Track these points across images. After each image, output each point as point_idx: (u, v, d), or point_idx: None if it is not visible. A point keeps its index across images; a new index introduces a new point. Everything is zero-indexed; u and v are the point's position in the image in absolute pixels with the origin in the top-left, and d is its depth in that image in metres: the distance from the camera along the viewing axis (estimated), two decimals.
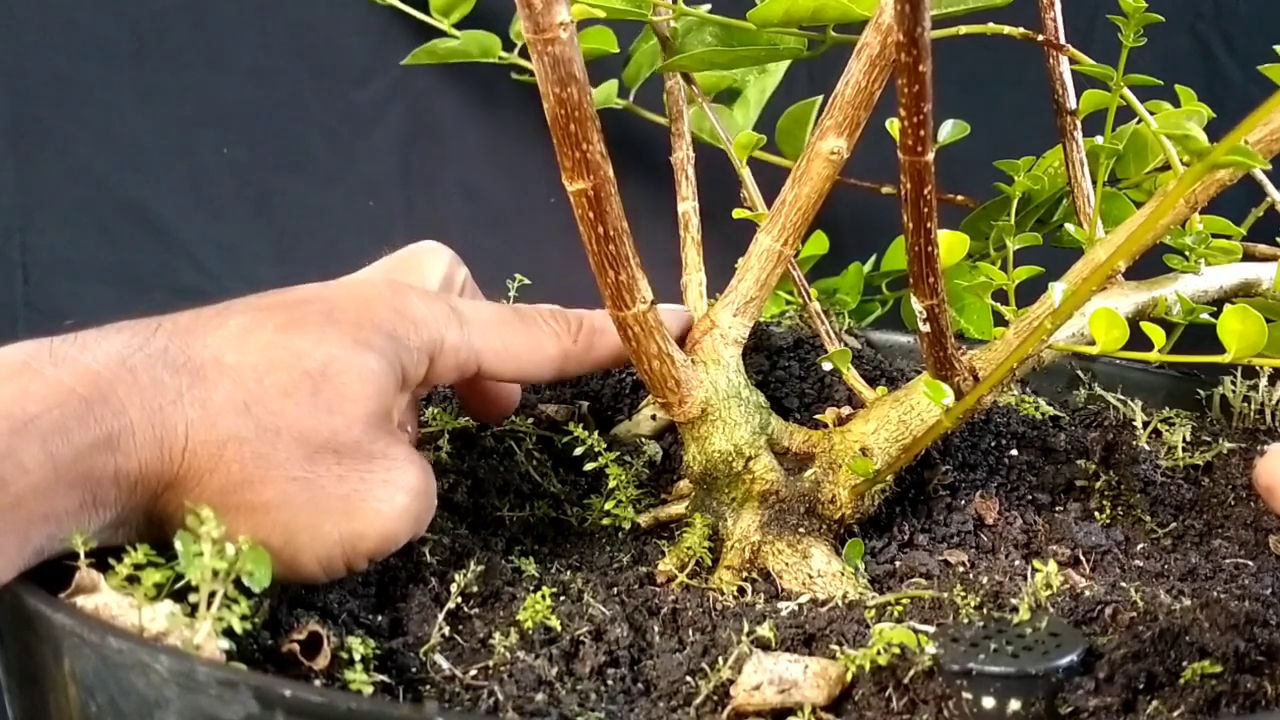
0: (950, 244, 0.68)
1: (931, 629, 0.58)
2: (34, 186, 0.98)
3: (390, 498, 0.60)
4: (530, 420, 0.77)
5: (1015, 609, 0.63)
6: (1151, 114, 0.78)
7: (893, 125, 0.63)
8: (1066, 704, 0.54)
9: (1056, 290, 0.59)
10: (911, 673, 0.56)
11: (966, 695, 0.54)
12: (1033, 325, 0.67)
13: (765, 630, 0.59)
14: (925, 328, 0.65)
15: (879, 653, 0.56)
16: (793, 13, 0.71)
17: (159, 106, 0.97)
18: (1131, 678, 0.55)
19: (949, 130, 0.67)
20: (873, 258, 0.98)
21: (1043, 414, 0.82)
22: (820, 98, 0.86)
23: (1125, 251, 0.57)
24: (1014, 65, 0.75)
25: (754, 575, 0.68)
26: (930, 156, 0.58)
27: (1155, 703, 0.53)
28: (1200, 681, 0.55)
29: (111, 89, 0.97)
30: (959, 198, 0.93)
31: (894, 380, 0.83)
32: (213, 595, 0.50)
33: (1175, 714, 0.53)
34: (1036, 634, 0.56)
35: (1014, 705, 0.54)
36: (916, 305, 0.64)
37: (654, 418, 0.78)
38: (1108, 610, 0.62)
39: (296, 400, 0.58)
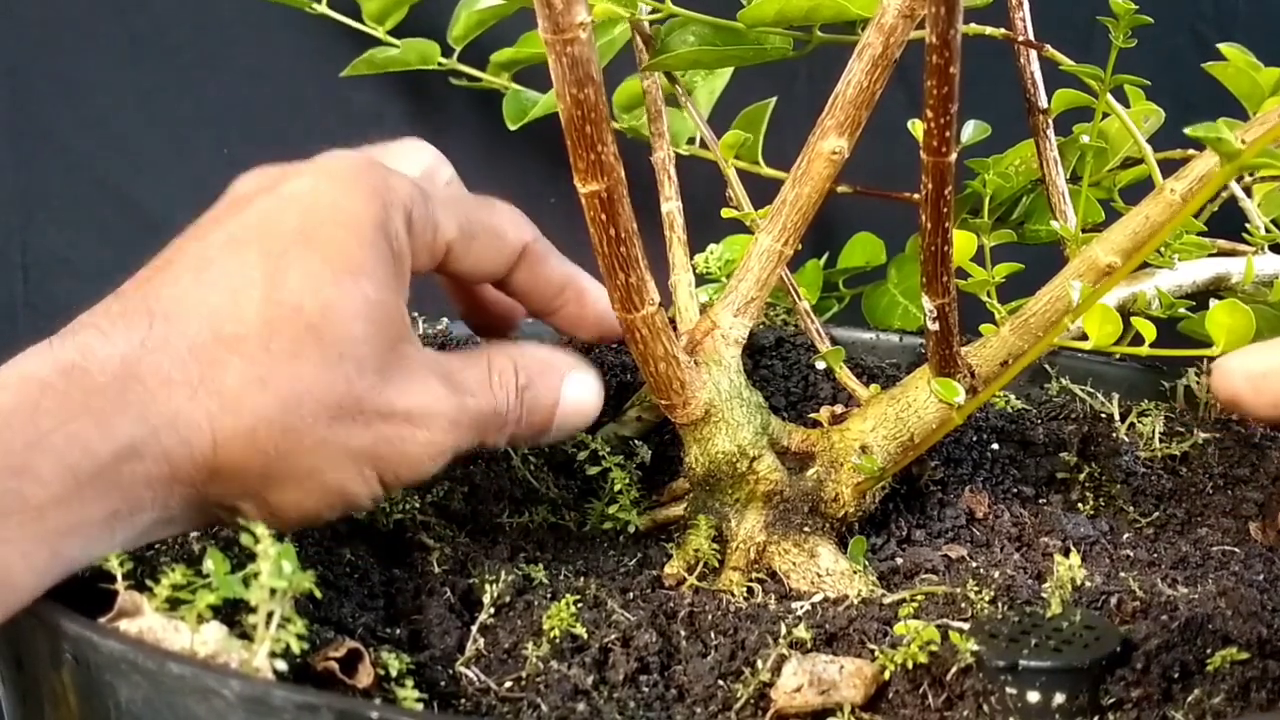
0: (960, 243, 0.68)
1: (966, 626, 0.58)
2: (34, 186, 0.96)
3: (428, 423, 0.60)
4: None
5: (1029, 602, 0.64)
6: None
7: (916, 127, 0.64)
8: (1108, 695, 0.55)
9: (1074, 288, 0.60)
10: (952, 669, 0.56)
11: (1010, 690, 0.55)
12: (1028, 321, 0.68)
13: (802, 631, 0.59)
14: (934, 326, 0.65)
15: (918, 650, 0.57)
16: (786, 12, 0.71)
17: (159, 106, 0.96)
18: (1166, 668, 0.56)
19: (971, 131, 0.68)
20: (825, 255, 0.99)
21: (1013, 408, 0.83)
22: (775, 99, 0.86)
23: (1147, 251, 0.58)
24: (986, 66, 0.77)
25: (761, 575, 0.68)
26: (953, 157, 0.59)
27: (1197, 691, 0.55)
28: (1230, 669, 0.56)
29: (111, 89, 0.95)
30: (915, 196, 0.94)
31: (866, 376, 0.84)
32: (270, 615, 0.48)
33: (1214, 701, 0.54)
34: (1073, 627, 0.57)
35: (1059, 699, 0.55)
36: (927, 304, 0.64)
37: (639, 419, 0.78)
38: (1112, 600, 0.64)
39: (307, 359, 0.56)
